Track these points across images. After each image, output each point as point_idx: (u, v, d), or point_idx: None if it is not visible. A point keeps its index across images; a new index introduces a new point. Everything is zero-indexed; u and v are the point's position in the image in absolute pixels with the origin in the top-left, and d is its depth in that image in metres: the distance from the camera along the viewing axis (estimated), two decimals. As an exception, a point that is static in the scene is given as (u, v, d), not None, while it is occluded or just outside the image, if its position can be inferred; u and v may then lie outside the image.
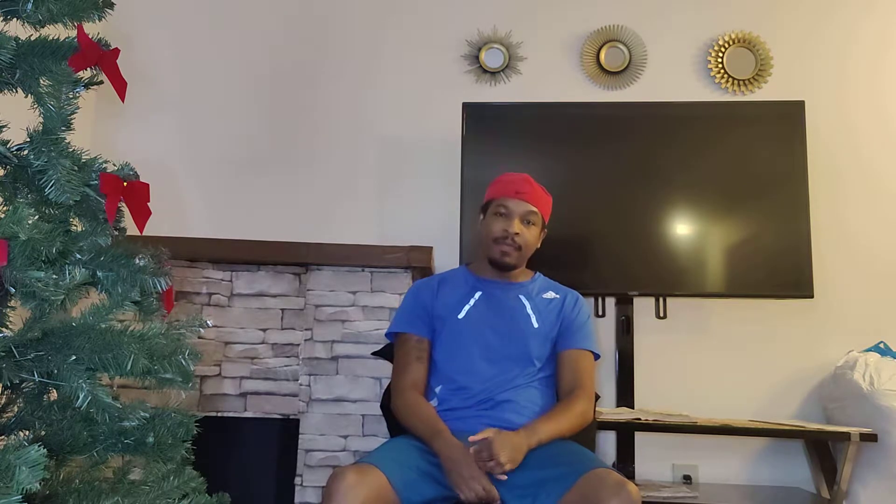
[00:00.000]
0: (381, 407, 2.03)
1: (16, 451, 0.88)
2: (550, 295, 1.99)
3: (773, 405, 2.61)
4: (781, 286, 2.47)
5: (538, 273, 2.06)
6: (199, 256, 2.34)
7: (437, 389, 1.88)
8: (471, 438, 1.65)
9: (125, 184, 1.20)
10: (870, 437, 2.15)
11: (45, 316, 1.12)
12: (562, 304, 1.97)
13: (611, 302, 2.62)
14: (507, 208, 1.91)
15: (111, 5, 1.26)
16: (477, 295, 1.95)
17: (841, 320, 2.64)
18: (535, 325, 1.92)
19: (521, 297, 1.96)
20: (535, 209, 1.92)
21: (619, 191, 2.54)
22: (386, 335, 2.06)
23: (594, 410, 1.93)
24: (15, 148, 1.14)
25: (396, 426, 1.90)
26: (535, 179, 1.96)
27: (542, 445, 1.69)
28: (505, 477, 1.60)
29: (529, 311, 1.94)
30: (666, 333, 2.65)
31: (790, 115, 2.55)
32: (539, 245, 2.00)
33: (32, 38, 1.15)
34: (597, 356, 1.96)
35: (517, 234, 1.90)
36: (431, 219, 2.73)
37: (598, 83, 2.82)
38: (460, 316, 1.92)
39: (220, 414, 2.31)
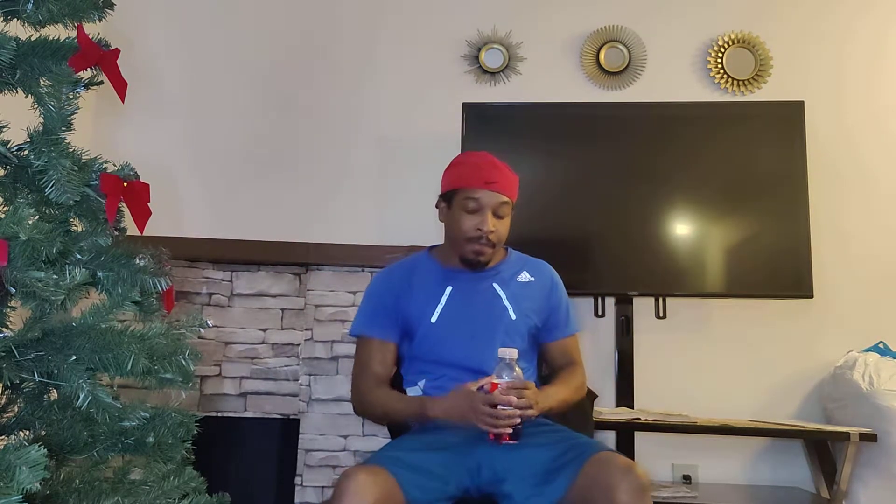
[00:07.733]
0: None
1: (16, 451, 0.88)
2: (525, 277, 1.86)
3: (772, 405, 2.61)
4: (781, 286, 2.47)
5: (510, 249, 1.91)
6: (199, 256, 2.34)
7: (421, 384, 1.81)
8: (470, 385, 1.61)
9: (125, 184, 1.20)
10: (869, 437, 2.15)
11: (46, 316, 1.12)
12: (540, 289, 1.86)
13: (611, 302, 2.62)
14: (478, 202, 1.74)
15: (111, 5, 1.26)
16: (448, 291, 1.82)
17: (840, 320, 2.63)
18: (513, 318, 1.80)
19: (495, 284, 1.83)
20: (507, 199, 1.77)
21: (619, 191, 2.54)
22: (350, 334, 1.93)
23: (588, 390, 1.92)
24: (15, 148, 1.14)
25: (398, 427, 1.89)
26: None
27: (543, 427, 1.67)
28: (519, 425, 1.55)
29: (506, 302, 1.81)
30: (666, 333, 2.65)
31: (789, 116, 2.54)
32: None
33: (33, 39, 1.15)
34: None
35: (492, 231, 1.75)
36: (431, 219, 2.70)
37: (598, 83, 2.82)
38: (433, 319, 1.79)
39: (220, 414, 2.31)
